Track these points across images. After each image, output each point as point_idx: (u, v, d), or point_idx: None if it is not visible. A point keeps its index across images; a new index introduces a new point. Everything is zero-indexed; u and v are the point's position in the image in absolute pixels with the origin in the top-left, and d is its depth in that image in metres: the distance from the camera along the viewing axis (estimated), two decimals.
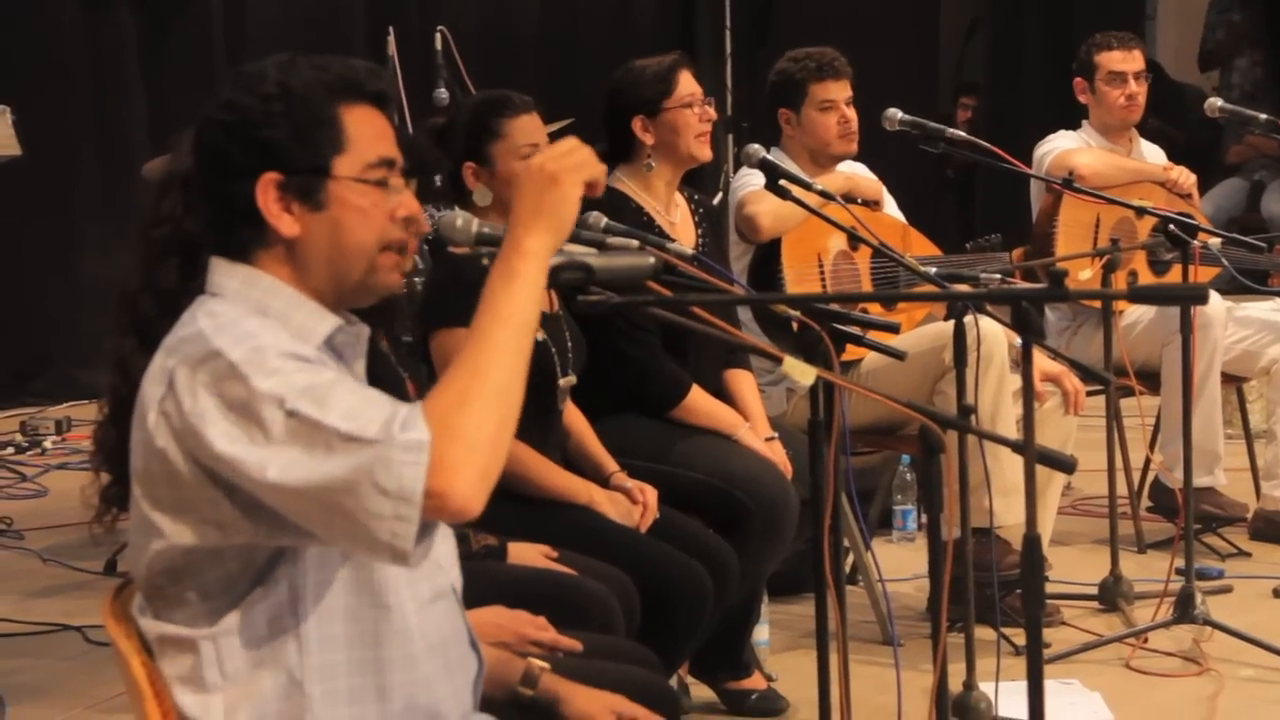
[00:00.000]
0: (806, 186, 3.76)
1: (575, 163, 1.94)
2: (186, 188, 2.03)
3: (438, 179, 3.47)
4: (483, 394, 1.79)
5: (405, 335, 2.95)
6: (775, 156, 4.28)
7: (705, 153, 3.89)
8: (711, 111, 3.91)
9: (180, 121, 2.03)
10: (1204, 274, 4.82)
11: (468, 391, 1.79)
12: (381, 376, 2.40)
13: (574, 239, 2.89)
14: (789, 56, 4.54)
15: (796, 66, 4.49)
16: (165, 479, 1.86)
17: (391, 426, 1.76)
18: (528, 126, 3.40)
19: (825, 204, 3.82)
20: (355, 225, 1.95)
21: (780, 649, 4.08)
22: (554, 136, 3.50)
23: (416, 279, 3.39)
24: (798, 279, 4.26)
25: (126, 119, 8.15)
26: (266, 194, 1.92)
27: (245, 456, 1.79)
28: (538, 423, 3.25)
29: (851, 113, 4.46)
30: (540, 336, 3.33)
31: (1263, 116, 4.89)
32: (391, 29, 6.65)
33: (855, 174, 4.60)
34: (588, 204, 3.60)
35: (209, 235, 1.98)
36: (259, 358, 1.82)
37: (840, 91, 4.46)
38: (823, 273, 4.33)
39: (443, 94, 6.28)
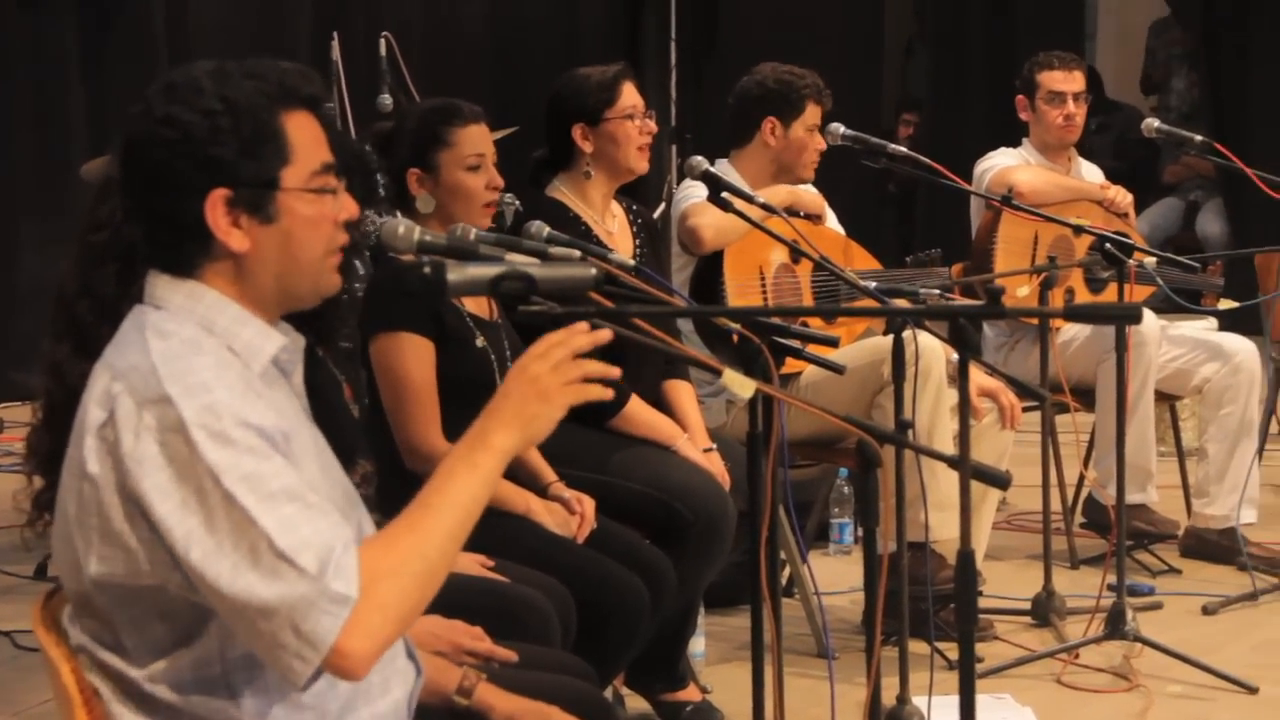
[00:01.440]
0: (749, 199, 3.78)
1: (570, 386, 1.93)
2: (125, 195, 2.00)
3: (381, 185, 3.45)
4: (414, 571, 1.84)
5: (343, 341, 2.93)
6: (722, 169, 4.30)
7: (643, 165, 3.91)
8: (652, 124, 3.92)
9: (121, 121, 2.00)
10: (1139, 293, 4.86)
11: (404, 565, 1.83)
12: (318, 382, 2.39)
13: (516, 249, 2.89)
14: (787, 70, 4.54)
15: (801, 81, 4.50)
16: (94, 505, 1.83)
17: (327, 568, 1.77)
18: (475, 137, 3.40)
19: (767, 217, 3.84)
20: (305, 235, 1.93)
21: (716, 661, 4.08)
22: (499, 144, 3.51)
23: (357, 285, 3.37)
24: (739, 291, 4.27)
25: (66, 118, 8.08)
26: (215, 210, 1.89)
27: (174, 526, 1.78)
28: None
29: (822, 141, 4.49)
30: (480, 343, 3.32)
31: (1198, 138, 4.94)
32: (336, 34, 6.63)
33: (797, 188, 4.62)
34: (528, 214, 3.61)
35: (149, 249, 1.94)
36: (212, 420, 1.79)
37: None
38: (764, 285, 4.34)
39: (386, 100, 6.27)
